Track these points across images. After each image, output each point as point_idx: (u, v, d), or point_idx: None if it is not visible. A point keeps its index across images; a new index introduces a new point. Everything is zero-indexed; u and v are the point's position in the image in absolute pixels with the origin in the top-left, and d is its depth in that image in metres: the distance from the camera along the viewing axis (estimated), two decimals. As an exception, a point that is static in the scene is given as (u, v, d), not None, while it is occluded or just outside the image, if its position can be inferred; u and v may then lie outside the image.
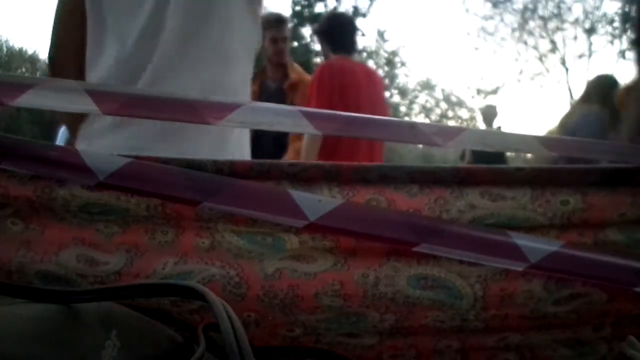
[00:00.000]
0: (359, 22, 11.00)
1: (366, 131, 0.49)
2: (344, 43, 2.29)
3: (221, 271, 0.47)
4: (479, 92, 11.76)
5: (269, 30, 2.36)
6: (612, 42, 11.52)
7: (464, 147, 0.49)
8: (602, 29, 11.59)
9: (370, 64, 11.53)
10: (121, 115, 0.47)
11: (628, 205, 0.47)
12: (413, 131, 0.48)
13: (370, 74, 2.36)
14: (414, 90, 12.22)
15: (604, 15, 11.49)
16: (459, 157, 4.22)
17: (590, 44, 11.62)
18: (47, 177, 0.46)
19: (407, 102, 12.20)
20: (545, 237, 0.46)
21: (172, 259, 0.47)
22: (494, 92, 11.59)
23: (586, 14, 11.63)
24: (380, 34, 11.49)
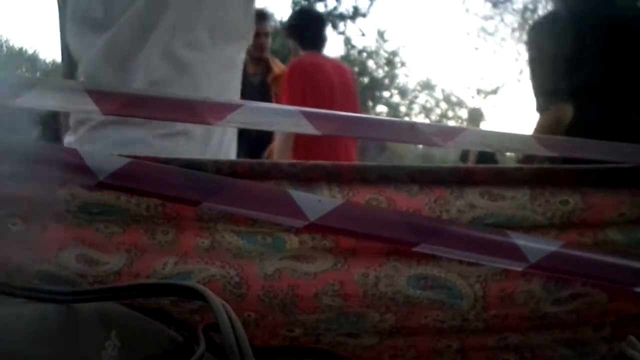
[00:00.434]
0: (359, 22, 11.02)
1: (366, 131, 0.49)
2: (314, 39, 2.26)
3: (221, 271, 0.47)
4: (479, 92, 11.75)
5: None
6: (612, 42, 11.48)
7: (464, 147, 0.49)
8: (602, 29, 11.56)
9: (370, 64, 11.54)
10: (121, 115, 0.47)
11: (628, 205, 0.47)
12: (413, 131, 0.48)
13: (341, 70, 2.34)
14: (414, 90, 12.22)
15: (604, 15, 11.45)
16: (459, 158, 4.21)
17: (591, 43, 11.58)
18: (47, 177, 0.46)
19: (407, 102, 12.20)
20: (545, 237, 0.46)
21: (172, 259, 0.47)
22: (494, 92, 11.57)
23: (586, 13, 11.59)
24: (380, 34, 11.49)
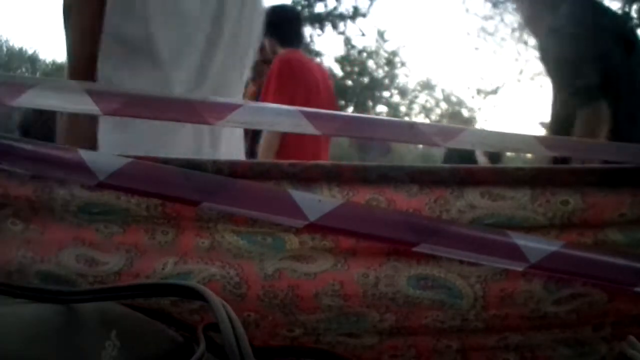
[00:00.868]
0: (359, 22, 11.00)
1: (366, 131, 0.49)
2: (292, 35, 2.22)
3: (221, 271, 0.47)
4: (479, 92, 11.74)
5: None
6: (612, 42, 11.48)
7: (464, 147, 0.49)
8: (602, 29, 11.55)
9: (370, 64, 11.53)
10: (121, 115, 0.47)
11: (628, 205, 0.47)
12: (413, 131, 0.48)
13: (321, 68, 2.33)
14: (414, 90, 12.21)
15: (604, 15, 11.45)
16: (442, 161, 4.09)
17: (591, 43, 11.58)
18: (47, 177, 0.46)
19: (407, 102, 12.19)
20: (545, 237, 0.46)
21: (172, 259, 0.47)
22: (494, 92, 11.56)
23: (586, 13, 11.59)
24: (380, 34, 11.47)
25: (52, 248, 0.47)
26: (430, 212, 0.46)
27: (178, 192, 0.44)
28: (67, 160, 0.44)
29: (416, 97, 12.27)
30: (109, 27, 0.86)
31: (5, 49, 10.51)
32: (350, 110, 10.35)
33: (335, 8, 10.71)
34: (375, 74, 11.56)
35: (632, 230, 0.47)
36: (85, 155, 0.44)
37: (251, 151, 2.05)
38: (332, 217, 0.44)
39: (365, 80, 11.20)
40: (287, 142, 2.00)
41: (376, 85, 11.44)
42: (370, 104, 11.15)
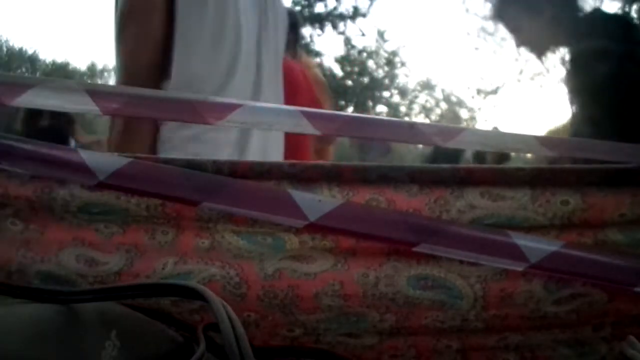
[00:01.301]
0: (359, 22, 11.00)
1: (366, 131, 0.49)
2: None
3: (221, 271, 0.47)
4: (479, 92, 11.74)
5: None
6: (612, 42, 11.49)
7: (464, 147, 0.49)
8: (602, 29, 11.56)
9: (370, 64, 11.53)
10: (121, 115, 0.47)
11: (628, 205, 0.47)
12: (413, 131, 0.48)
13: (303, 69, 2.34)
14: (414, 90, 12.20)
15: (604, 15, 11.46)
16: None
17: (591, 43, 11.59)
18: (47, 177, 0.46)
19: (407, 102, 12.19)
20: (545, 237, 0.46)
21: (172, 259, 0.47)
22: (494, 92, 11.56)
23: (586, 13, 11.60)
24: (380, 34, 11.47)
25: (52, 248, 0.47)
26: (430, 212, 0.46)
27: (178, 192, 0.44)
28: (67, 160, 0.44)
29: (416, 97, 12.26)
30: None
31: (5, 49, 10.52)
32: (350, 110, 10.35)
33: (335, 8, 10.71)
34: (375, 74, 11.56)
35: (632, 230, 0.47)
36: (85, 155, 0.44)
37: None
38: (332, 217, 0.44)
39: (365, 80, 11.19)
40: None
41: (376, 85, 11.44)
42: (370, 104, 11.15)
